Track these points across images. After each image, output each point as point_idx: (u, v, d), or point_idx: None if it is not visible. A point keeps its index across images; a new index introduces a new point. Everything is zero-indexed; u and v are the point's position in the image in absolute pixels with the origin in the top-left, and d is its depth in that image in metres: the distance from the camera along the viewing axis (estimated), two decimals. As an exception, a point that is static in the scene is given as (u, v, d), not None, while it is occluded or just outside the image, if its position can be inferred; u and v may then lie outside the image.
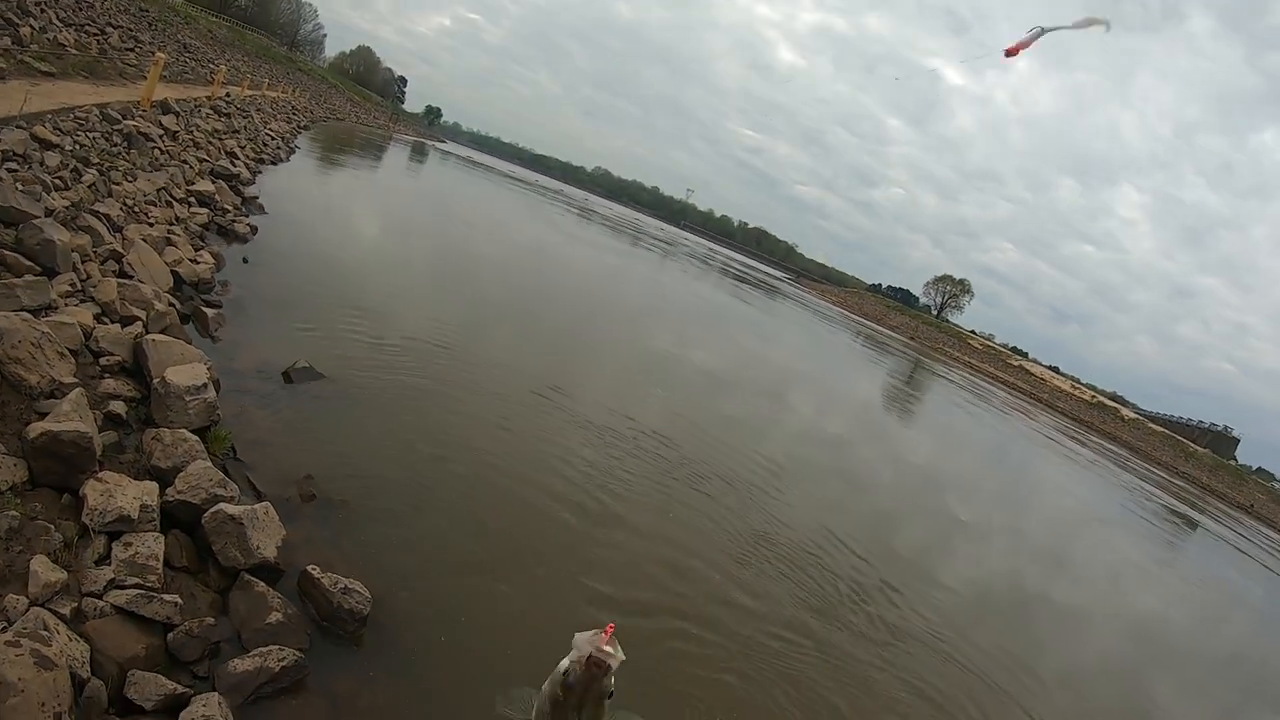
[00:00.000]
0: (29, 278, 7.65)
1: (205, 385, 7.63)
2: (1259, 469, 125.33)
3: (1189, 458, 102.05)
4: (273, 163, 28.80)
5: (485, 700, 6.04)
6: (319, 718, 5.27)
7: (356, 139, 69.67)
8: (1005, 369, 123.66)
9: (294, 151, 35.51)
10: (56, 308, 7.80)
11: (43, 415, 6.03)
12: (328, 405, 9.88)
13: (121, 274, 9.77)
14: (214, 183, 17.52)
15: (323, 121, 69.63)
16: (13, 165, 10.09)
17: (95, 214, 10.64)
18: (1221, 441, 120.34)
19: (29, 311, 7.17)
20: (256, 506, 6.31)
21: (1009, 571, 17.17)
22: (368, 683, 5.70)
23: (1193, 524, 48.07)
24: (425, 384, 12.28)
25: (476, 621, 7.02)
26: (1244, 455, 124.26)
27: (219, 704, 4.69)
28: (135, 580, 5.16)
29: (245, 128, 29.60)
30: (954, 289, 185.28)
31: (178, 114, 21.12)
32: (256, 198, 20.11)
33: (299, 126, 48.02)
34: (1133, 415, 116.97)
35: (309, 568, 6.24)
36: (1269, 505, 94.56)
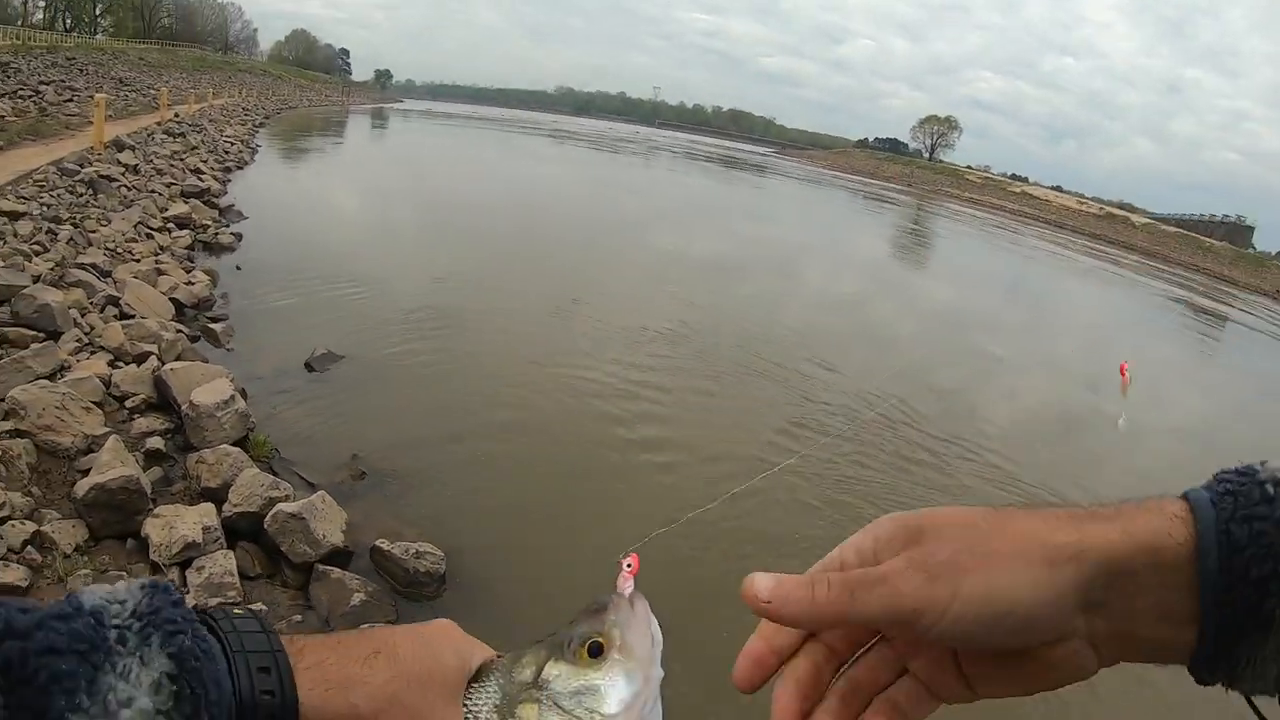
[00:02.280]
0: (35, 346, 7.69)
1: (232, 397, 7.67)
2: (1278, 253, 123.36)
3: (1206, 253, 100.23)
4: (239, 167, 28.53)
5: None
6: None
7: (315, 121, 68.88)
8: (1007, 196, 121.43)
9: (256, 151, 35.16)
10: (69, 366, 7.85)
11: (86, 472, 6.10)
12: (355, 382, 9.94)
13: (123, 315, 9.79)
14: (187, 203, 17.45)
15: (277, 114, 68.74)
16: (-12, 245, 10.10)
17: (81, 266, 10.65)
18: (1236, 232, 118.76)
19: (44, 378, 7.22)
20: (313, 498, 6.38)
21: (1053, 398, 17.04)
22: (463, 636, 5.79)
23: (1222, 319, 47.41)
24: (443, 336, 12.31)
25: (548, 550, 7.14)
26: (1261, 242, 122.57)
27: (327, 694, 4.79)
28: (217, 600, 5.26)
29: (203, 141, 29.34)
30: (942, 127, 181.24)
31: (133, 148, 20.94)
32: (233, 205, 20.00)
33: (255, 125, 47.48)
34: (1144, 220, 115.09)
35: (378, 542, 6.34)
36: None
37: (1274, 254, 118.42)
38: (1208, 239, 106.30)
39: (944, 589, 0.65)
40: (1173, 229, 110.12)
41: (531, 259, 19.48)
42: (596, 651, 0.87)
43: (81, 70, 43.17)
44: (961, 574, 0.65)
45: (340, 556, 6.17)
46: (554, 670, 0.88)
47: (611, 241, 25.25)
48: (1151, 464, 14.05)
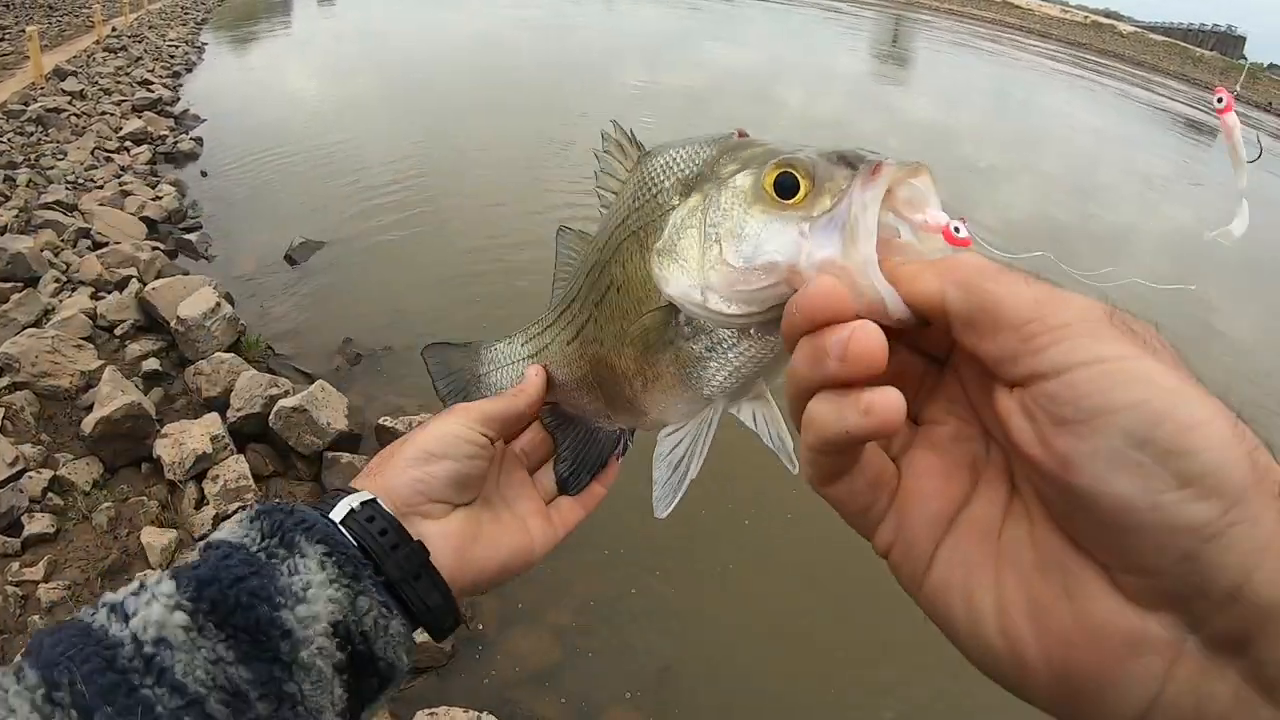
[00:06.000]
0: (15, 297, 7.63)
1: (218, 305, 7.67)
2: (1270, 65, 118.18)
3: (1196, 63, 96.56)
4: (188, 70, 27.58)
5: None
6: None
7: (260, 6, 66.65)
8: (989, 6, 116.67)
9: (203, 49, 33.99)
10: (53, 309, 7.82)
11: (89, 408, 6.14)
12: (338, 266, 9.90)
13: (96, 245, 9.68)
14: (140, 117, 16.99)
15: (219, 5, 66.52)
16: (-54, 207, 9.98)
17: (46, 206, 10.48)
18: (1227, 42, 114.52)
19: (31, 326, 7.23)
20: (312, 388, 6.45)
21: (1042, 209, 16.61)
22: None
23: (1214, 131, 45.34)
24: (423, 208, 12.08)
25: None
26: (1252, 52, 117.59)
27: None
28: (236, 505, 5.39)
29: (146, 51, 28.37)
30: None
31: (75, 73, 20.31)
32: (188, 110, 19.45)
33: (197, 23, 45.82)
34: (1131, 29, 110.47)
35: (381, 420, 6.42)
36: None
37: (1265, 66, 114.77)
38: (1198, 49, 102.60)
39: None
40: (1160, 38, 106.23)
41: (509, 110, 18.94)
42: (787, 190, 0.64)
43: (8, 4, 41.80)
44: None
45: (348, 440, 6.27)
46: (737, 180, 0.69)
47: (582, 81, 24.49)
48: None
